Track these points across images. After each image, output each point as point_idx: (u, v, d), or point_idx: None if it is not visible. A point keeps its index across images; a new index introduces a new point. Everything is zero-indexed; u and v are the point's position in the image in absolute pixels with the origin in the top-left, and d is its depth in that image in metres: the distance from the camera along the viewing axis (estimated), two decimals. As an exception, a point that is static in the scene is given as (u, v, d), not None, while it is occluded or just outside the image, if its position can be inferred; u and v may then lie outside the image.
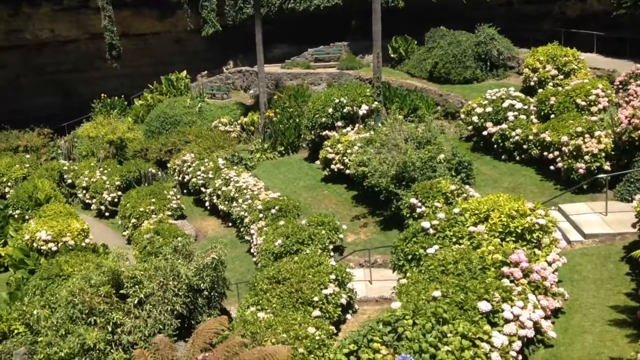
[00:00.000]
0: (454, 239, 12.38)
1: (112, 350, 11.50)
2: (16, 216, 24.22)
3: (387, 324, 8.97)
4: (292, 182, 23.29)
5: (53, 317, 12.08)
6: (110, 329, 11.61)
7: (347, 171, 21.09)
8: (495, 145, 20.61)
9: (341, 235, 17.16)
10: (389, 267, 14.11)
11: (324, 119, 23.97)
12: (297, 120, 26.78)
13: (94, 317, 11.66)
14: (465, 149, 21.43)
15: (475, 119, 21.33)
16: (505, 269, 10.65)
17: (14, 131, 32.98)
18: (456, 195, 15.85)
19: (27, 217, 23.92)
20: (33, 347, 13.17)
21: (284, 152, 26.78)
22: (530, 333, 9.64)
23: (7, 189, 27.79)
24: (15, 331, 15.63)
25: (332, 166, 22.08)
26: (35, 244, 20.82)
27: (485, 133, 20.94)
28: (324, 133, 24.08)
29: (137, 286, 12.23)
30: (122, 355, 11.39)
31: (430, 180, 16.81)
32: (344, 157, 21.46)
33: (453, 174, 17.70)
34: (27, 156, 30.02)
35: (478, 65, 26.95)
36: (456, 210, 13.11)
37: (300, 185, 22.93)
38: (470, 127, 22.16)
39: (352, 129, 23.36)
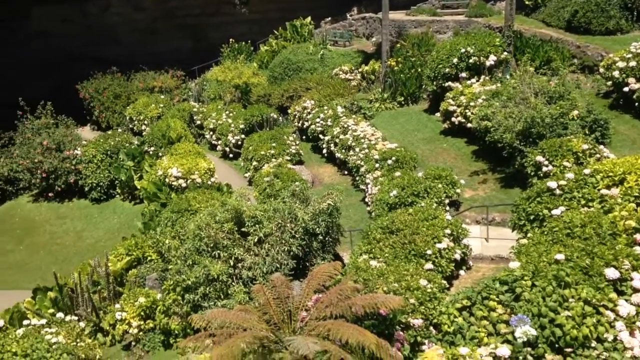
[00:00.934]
0: (583, 202, 11.66)
1: (233, 283, 12.31)
2: (151, 152, 26.14)
3: (504, 283, 8.75)
4: (410, 134, 22.96)
5: (182, 247, 13.07)
6: (232, 264, 12.39)
7: (469, 125, 20.37)
8: (636, 104, 18.86)
9: (458, 190, 16.78)
10: (508, 226, 13.65)
11: (447, 70, 23.17)
12: (419, 70, 26.12)
13: (218, 251, 12.48)
14: (602, 106, 19.81)
15: (616, 73, 19.57)
16: (638, 237, 9.92)
17: (150, 72, 35.12)
18: (588, 156, 14.83)
19: (160, 154, 25.73)
20: (163, 274, 14.42)
21: (403, 102, 26.36)
22: (661, 305, 8.98)
23: (143, 127, 29.94)
24: (149, 258, 17.18)
25: (453, 119, 21.43)
26: (167, 180, 22.43)
27: (626, 89, 19.19)
28: (446, 84, 23.32)
29: (257, 225, 12.86)
30: (242, 289, 12.15)
31: (560, 138, 15.82)
32: (466, 110, 20.72)
33: (586, 132, 16.51)
34: (162, 97, 31.98)
35: (623, 14, 24.51)
36: (587, 171, 12.30)
37: (419, 137, 22.55)
38: (609, 83, 20.39)
39: (477, 81, 22.38)
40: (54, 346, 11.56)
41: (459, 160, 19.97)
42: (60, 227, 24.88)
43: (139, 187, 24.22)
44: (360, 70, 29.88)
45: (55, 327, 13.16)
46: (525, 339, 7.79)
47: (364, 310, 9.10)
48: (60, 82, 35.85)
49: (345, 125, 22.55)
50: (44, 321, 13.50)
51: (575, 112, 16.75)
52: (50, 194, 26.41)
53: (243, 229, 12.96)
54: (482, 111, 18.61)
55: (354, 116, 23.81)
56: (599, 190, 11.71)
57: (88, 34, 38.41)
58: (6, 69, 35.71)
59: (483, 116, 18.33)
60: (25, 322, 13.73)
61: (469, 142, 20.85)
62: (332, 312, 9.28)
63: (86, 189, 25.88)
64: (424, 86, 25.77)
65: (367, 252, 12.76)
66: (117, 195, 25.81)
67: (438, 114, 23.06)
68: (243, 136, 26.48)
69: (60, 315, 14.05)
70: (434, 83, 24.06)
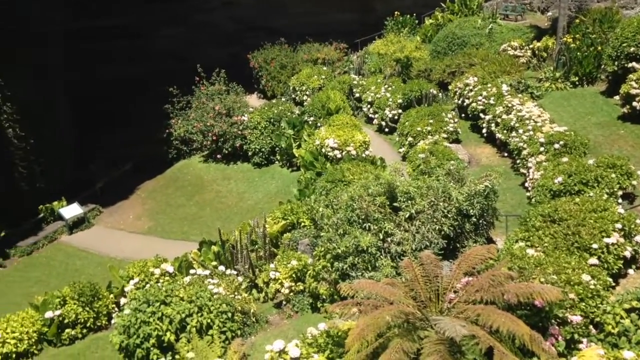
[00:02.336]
0: None
1: (381, 256, 12.43)
2: (310, 122, 27.03)
3: (682, 288, 7.86)
4: (582, 117, 21.22)
5: (334, 217, 13.43)
6: (381, 237, 12.50)
7: (653, 110, 18.35)
8: None
9: (634, 182, 15.24)
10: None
11: (632, 49, 20.92)
12: (599, 48, 23.88)
13: (369, 224, 12.64)
14: None
15: None
16: None
17: (315, 44, 36.09)
18: None
19: (318, 124, 26.51)
20: (315, 240, 14.96)
21: (577, 83, 24.35)
22: None
23: (305, 97, 31.01)
24: (302, 223, 17.94)
25: (635, 103, 19.40)
26: (323, 150, 23.11)
27: None
28: (629, 65, 21.09)
29: (409, 202, 12.79)
30: (390, 263, 12.24)
31: None
32: (652, 94, 18.64)
33: None
34: (324, 68, 32.77)
35: None
36: None
37: (592, 121, 20.77)
38: None
39: (668, 61, 20.00)
40: (215, 296, 12.59)
41: (637, 149, 18.12)
42: (225, 187, 26.85)
43: (296, 155, 25.24)
44: (531, 46, 28.07)
45: (216, 279, 14.31)
46: None
47: (517, 299, 8.74)
48: (234, 50, 38.25)
49: (510, 105, 21.43)
50: (207, 272, 14.73)
51: None
52: (218, 156, 28.55)
53: (395, 204, 12.98)
54: (671, 95, 16.62)
55: (519, 95, 22.52)
56: None
57: (262, 4, 40.22)
58: (193, 36, 38.71)
59: (672, 101, 16.36)
60: (191, 271, 15.10)
61: (652, 129, 18.80)
62: (482, 297, 9.03)
63: (249, 153, 27.54)
64: (602, 66, 23.57)
65: (524, 240, 12.16)
66: (277, 162, 27.14)
67: (617, 97, 21.04)
68: (400, 111, 26.32)
69: (221, 268, 15.25)
70: (615, 63, 21.89)
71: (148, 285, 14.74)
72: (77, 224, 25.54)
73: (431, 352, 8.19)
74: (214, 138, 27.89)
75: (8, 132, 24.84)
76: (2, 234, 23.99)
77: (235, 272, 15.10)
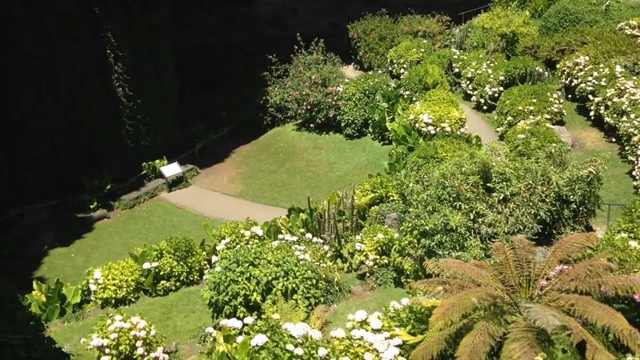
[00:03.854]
0: None
1: (470, 236, 12.16)
2: (405, 96, 26.61)
3: None
4: None
5: (424, 193, 13.25)
6: (472, 217, 12.20)
7: None
8: None
9: None
10: None
11: None
12: None
13: (460, 203, 12.37)
14: None
15: None
16: None
17: (417, 16, 35.24)
18: None
19: (414, 98, 26.04)
20: (403, 215, 14.88)
21: (702, 65, 22.31)
22: None
23: (402, 70, 30.51)
24: (391, 197, 17.86)
25: None
26: (417, 125, 22.74)
27: None
28: None
29: (504, 183, 12.37)
30: (479, 244, 11.96)
31: None
32: None
33: None
34: (424, 41, 31.97)
35: None
36: None
37: None
38: None
39: None
40: (300, 262, 12.88)
41: None
42: (316, 156, 27.16)
43: (389, 128, 25.01)
44: (651, 25, 25.94)
45: (303, 246, 14.61)
46: None
47: (615, 292, 8.31)
48: (335, 20, 38.14)
49: (622, 87, 20.01)
50: (294, 238, 15.07)
51: None
52: (311, 125, 28.86)
53: (488, 185, 12.60)
54: None
55: (634, 78, 20.95)
56: None
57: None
58: (295, 4, 38.73)
59: None
60: (279, 236, 15.51)
61: None
62: (577, 286, 8.65)
63: (342, 124, 27.60)
64: None
65: (628, 231, 11.46)
66: (369, 134, 27.05)
67: None
68: (501, 88, 25.29)
69: (308, 235, 15.54)
70: None
71: (238, 246, 15.33)
72: (176, 183, 26.87)
73: (518, 338, 7.97)
74: (309, 107, 28.18)
75: (118, 91, 26.32)
76: (108, 187, 25.68)
77: (321, 241, 15.34)
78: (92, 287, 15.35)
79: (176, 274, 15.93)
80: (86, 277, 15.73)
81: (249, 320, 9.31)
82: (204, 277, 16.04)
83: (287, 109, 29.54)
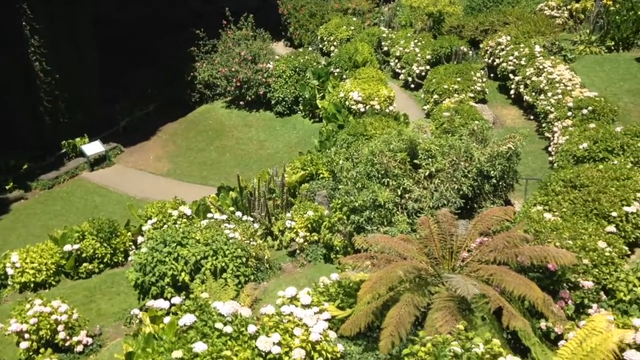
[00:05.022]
0: None
1: (397, 212, 12.44)
2: (336, 74, 26.68)
3: (701, 262, 7.77)
4: (615, 83, 20.65)
5: (353, 170, 13.41)
6: (399, 193, 12.47)
7: (690, 80, 17.76)
8: None
9: (662, 152, 14.91)
10: None
11: (674, 14, 20.12)
12: None
13: (388, 179, 12.60)
14: None
15: None
16: None
17: (348, -7, 35.21)
18: None
19: (344, 76, 26.16)
20: (332, 192, 15.00)
21: (613, 47, 23.56)
22: None
23: (332, 48, 30.51)
24: (321, 175, 17.96)
25: (671, 71, 18.80)
26: (347, 102, 22.89)
27: None
28: (670, 30, 20.36)
29: (430, 159, 12.69)
30: (406, 219, 12.25)
31: None
32: (690, 63, 18.01)
33: None
34: (354, 19, 32.06)
35: None
36: None
37: (624, 88, 20.21)
38: None
39: None
40: (230, 240, 12.76)
41: (669, 119, 17.65)
42: (245, 134, 26.87)
43: (320, 106, 25.04)
44: (569, 7, 27.11)
45: (233, 224, 14.48)
46: None
47: (531, 262, 8.75)
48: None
49: (541, 67, 20.88)
50: (224, 217, 14.91)
51: None
52: (241, 102, 28.45)
53: (415, 161, 12.89)
54: None
55: (552, 57, 21.91)
56: None
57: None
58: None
59: None
60: (208, 215, 15.29)
61: (686, 99, 18.26)
62: (495, 257, 9.04)
63: (272, 102, 27.37)
64: (640, 31, 22.77)
65: (543, 204, 12.05)
66: (299, 112, 26.97)
67: (653, 64, 20.39)
68: (428, 67, 25.83)
69: (238, 214, 15.41)
70: (654, 28, 21.12)
71: (166, 226, 15.01)
72: (99, 162, 25.89)
73: (440, 307, 8.27)
74: (238, 84, 27.75)
75: (35, 65, 24.93)
76: (25, 166, 24.44)
77: (251, 219, 15.26)
78: (9, 271, 14.63)
79: (99, 255, 15.44)
80: (2, 260, 14.97)
81: (177, 300, 9.18)
82: (130, 259, 15.63)
83: (216, 86, 28.96)
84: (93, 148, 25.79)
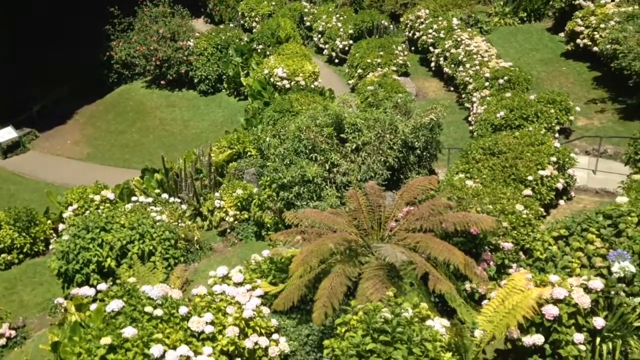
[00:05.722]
0: None
1: (326, 186, 12.53)
2: (259, 50, 26.36)
3: (608, 217, 8.31)
4: (528, 53, 21.55)
5: (281, 147, 13.36)
6: (327, 167, 12.55)
7: (594, 48, 18.78)
8: None
9: (571, 118, 15.76)
10: (621, 160, 12.83)
11: (580, -14, 21.13)
12: (548, -16, 24.02)
13: (315, 154, 12.65)
14: None
15: None
16: None
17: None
18: None
19: (268, 52, 25.88)
20: (261, 170, 14.92)
21: (525, 19, 24.54)
22: None
23: (254, 24, 30.08)
24: (249, 153, 17.79)
25: (578, 40, 19.79)
26: (272, 79, 22.68)
27: None
28: (576, 2, 21.36)
29: (356, 133, 12.82)
30: (335, 193, 12.37)
31: (698, 71, 14.28)
32: (595, 32, 19.01)
33: None
34: (274, -6, 31.66)
35: None
36: None
37: (537, 57, 21.13)
38: None
39: (612, 0, 20.30)
40: (157, 223, 12.47)
41: (577, 86, 18.64)
42: (169, 114, 26.17)
43: (244, 83, 24.71)
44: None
45: (159, 206, 14.14)
46: (622, 275, 7.46)
47: (455, 228, 9.04)
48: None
49: (459, 39, 21.46)
50: (150, 199, 14.53)
51: None
52: (162, 82, 27.62)
53: (342, 135, 12.99)
54: (612, 34, 17.03)
55: (469, 30, 22.56)
56: None
57: None
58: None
59: (613, 40, 16.79)
60: (133, 198, 14.86)
61: (592, 67, 19.33)
62: (422, 225, 9.29)
63: (195, 80, 26.75)
64: (551, 2, 23.78)
65: (464, 172, 12.48)
66: (223, 90, 26.53)
67: (562, 34, 21.38)
68: (351, 42, 25.97)
69: (165, 196, 15.06)
70: (563, 0, 22.11)
71: (88, 212, 14.46)
72: (12, 148, 24.52)
73: (371, 276, 8.43)
74: (158, 63, 26.88)
75: None
76: None
77: (179, 200, 14.96)
78: None
79: (18, 245, 14.72)
80: None
81: (103, 286, 8.88)
82: (51, 247, 14.98)
83: (134, 65, 27.94)
84: (4, 134, 24.37)
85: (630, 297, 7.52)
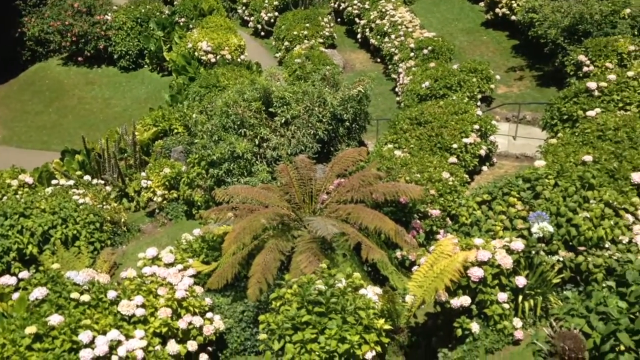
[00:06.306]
0: (621, 105, 11.31)
1: (257, 162, 12.42)
2: (181, 24, 25.54)
3: (527, 180, 8.68)
4: (450, 23, 21.99)
5: (208, 123, 13.08)
6: (257, 142, 12.43)
7: (513, 17, 19.40)
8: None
9: (492, 86, 16.28)
10: (538, 126, 13.41)
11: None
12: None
13: (244, 129, 12.47)
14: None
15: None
16: (672, 145, 9.66)
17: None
18: (633, 58, 14.13)
19: (191, 26, 25.13)
20: (189, 147, 14.58)
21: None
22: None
23: (175, -4, 29.06)
24: (175, 130, 17.33)
25: (497, 10, 20.37)
26: (196, 53, 22.09)
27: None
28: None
29: (285, 107, 12.73)
30: (265, 168, 12.28)
31: (606, 37, 15.02)
32: (513, 1, 19.62)
33: (635, 32, 15.61)
34: (196, -36, 30.61)
35: None
36: (630, 73, 11.79)
37: (458, 27, 21.61)
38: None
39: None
40: (81, 206, 11.98)
41: (497, 55, 19.24)
42: (88, 92, 25.06)
43: (167, 58, 23.96)
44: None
45: (82, 189, 13.58)
46: (541, 235, 7.83)
47: (385, 198, 9.20)
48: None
49: (383, 10, 21.60)
50: (71, 182, 13.93)
51: (628, 11, 15.77)
52: (79, 59, 26.33)
53: (270, 109, 12.86)
54: (529, 3, 17.63)
55: (393, 0, 22.72)
56: (639, 94, 11.29)
57: None
58: None
59: (529, 8, 17.38)
60: (53, 181, 14.19)
61: (511, 35, 19.99)
62: (353, 196, 9.39)
63: (115, 56, 25.68)
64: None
65: (393, 142, 12.67)
66: (146, 66, 25.62)
67: (482, 4, 21.94)
68: (277, 14, 25.62)
69: (87, 178, 14.46)
70: (482, -30, 22.62)
71: (5, 198, 13.68)
72: None
73: (304, 249, 8.48)
74: (74, 39, 25.55)
75: None
76: None
77: (102, 182, 14.43)
78: None
79: None
80: None
81: (25, 274, 8.50)
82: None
83: (48, 42, 26.44)
84: None
85: (549, 256, 7.93)
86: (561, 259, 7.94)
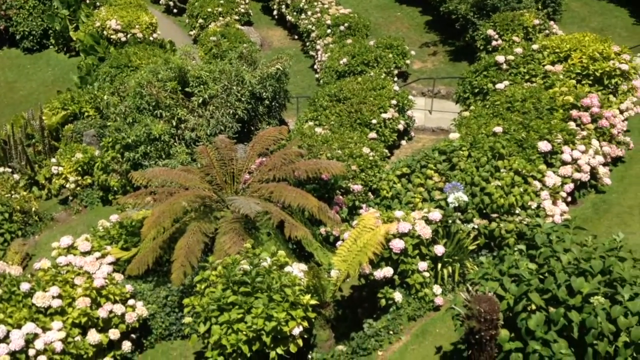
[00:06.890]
0: (527, 77, 11.87)
1: (175, 144, 12.11)
2: (88, 2, 24.26)
3: (443, 153, 8.97)
4: (365, 0, 22.16)
5: (121, 105, 12.61)
6: (174, 124, 12.10)
7: (425, -6, 19.81)
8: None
9: (408, 61, 16.62)
10: (452, 99, 13.82)
11: None
12: None
13: (160, 111, 12.11)
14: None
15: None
16: (574, 112, 10.29)
17: None
18: (538, 31, 14.85)
19: (98, 3, 23.92)
20: (102, 130, 14.00)
21: (361, -35, 25.06)
22: (585, 177, 9.55)
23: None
24: (86, 113, 16.55)
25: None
26: (105, 32, 21.09)
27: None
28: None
29: (202, 86, 12.44)
30: (184, 149, 12.01)
31: (513, 11, 15.67)
32: (424, -22, 20.02)
33: (539, 7, 16.39)
34: None
35: None
36: (535, 46, 12.38)
37: (373, 3, 21.81)
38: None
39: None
40: (-14, 197, 11.31)
41: (411, 30, 19.61)
42: (-11, 76, 23.43)
43: (74, 38, 22.75)
44: None
45: (-13, 179, 12.81)
46: (457, 205, 8.15)
47: (307, 175, 9.24)
48: None
49: (298, -14, 21.41)
50: (-26, 172, 13.11)
51: (532, -14, 16.51)
52: (-23, 41, 24.54)
53: (187, 89, 12.54)
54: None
55: (307, -25, 22.56)
56: (543, 66, 11.89)
57: None
58: None
59: (440, -15, 17.81)
60: (-46, 172, 13.29)
61: (424, 11, 20.41)
62: (275, 175, 9.37)
63: (17, 37, 24.08)
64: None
65: (313, 119, 12.72)
66: (51, 46, 24.21)
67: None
68: (189, -10, 24.82)
69: (-8, 166, 13.64)
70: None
71: None
72: None
73: (227, 230, 8.39)
74: (-31, 19, 23.73)
75: None
76: None
77: (9, 170, 13.63)
78: None
79: None
80: None
81: None
82: None
83: (-62, 22, 24.42)
84: None
85: (465, 224, 8.28)
86: (476, 226, 8.31)
